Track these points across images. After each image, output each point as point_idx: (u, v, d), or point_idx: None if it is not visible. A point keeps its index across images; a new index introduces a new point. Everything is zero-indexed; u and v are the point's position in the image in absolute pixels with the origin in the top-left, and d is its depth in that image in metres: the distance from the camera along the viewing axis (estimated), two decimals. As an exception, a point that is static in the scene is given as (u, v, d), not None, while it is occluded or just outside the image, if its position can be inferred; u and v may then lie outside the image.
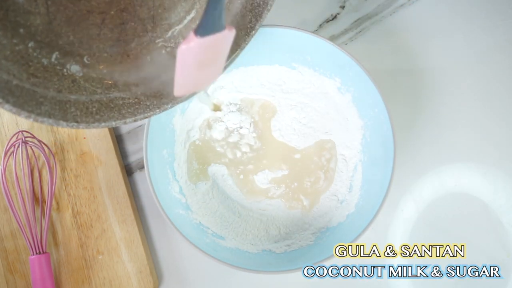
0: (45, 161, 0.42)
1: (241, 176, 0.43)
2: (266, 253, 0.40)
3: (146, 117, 0.33)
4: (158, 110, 0.33)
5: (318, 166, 0.44)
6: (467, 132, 0.47)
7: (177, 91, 0.31)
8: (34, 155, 0.43)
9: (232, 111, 0.44)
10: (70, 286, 0.41)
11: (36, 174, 0.43)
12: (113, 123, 0.31)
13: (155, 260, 0.44)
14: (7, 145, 0.41)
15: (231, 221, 0.42)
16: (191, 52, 0.27)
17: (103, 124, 0.30)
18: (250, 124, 0.44)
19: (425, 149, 0.46)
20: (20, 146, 0.41)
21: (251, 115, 0.44)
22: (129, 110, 0.32)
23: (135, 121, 0.32)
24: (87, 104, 0.30)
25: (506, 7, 0.50)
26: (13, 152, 0.42)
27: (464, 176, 0.45)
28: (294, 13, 0.50)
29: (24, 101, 0.26)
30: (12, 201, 0.40)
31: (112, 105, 0.32)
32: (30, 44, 0.29)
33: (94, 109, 0.30)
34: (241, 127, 0.44)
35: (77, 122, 0.28)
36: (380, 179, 0.37)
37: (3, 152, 0.42)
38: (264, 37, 0.39)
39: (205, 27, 0.25)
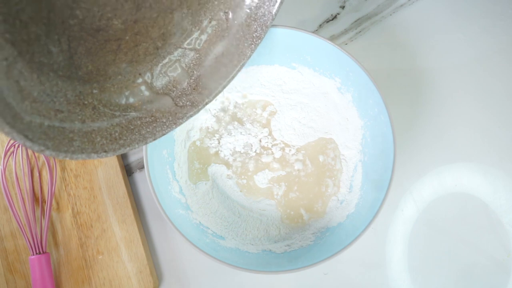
0: (45, 161, 0.42)
1: (244, 181, 0.43)
2: (266, 253, 0.39)
3: (164, 134, 0.34)
4: (174, 126, 0.35)
5: (325, 168, 0.43)
6: (467, 132, 0.47)
7: None
8: (34, 155, 0.43)
9: (241, 133, 0.44)
10: (70, 286, 0.41)
11: (36, 174, 0.43)
12: (136, 145, 0.32)
13: (155, 260, 0.44)
14: (7, 145, 0.41)
15: (231, 221, 0.42)
16: None
17: (128, 148, 0.32)
18: (260, 141, 0.44)
19: (425, 149, 0.46)
20: (20, 146, 0.41)
21: (258, 137, 0.44)
22: (148, 129, 0.34)
23: (155, 139, 0.34)
24: (110, 130, 0.32)
25: (506, 7, 0.50)
26: (13, 152, 0.42)
27: (464, 176, 0.45)
28: (294, 13, 0.50)
29: (59, 141, 0.27)
30: (12, 201, 0.40)
31: (132, 127, 0.33)
32: (54, 81, 0.30)
33: (116, 134, 0.32)
34: (251, 146, 0.44)
35: (105, 151, 0.30)
36: (380, 179, 0.37)
37: (3, 152, 0.42)
38: (264, 37, 0.39)
39: None
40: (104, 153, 0.30)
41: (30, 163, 0.43)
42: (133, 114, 0.34)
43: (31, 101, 0.27)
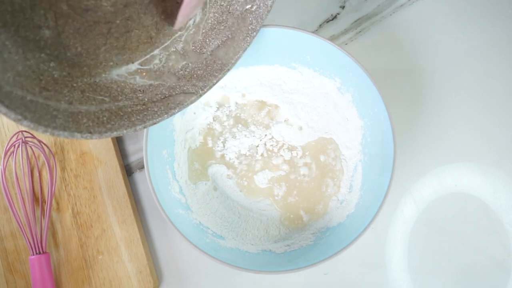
0: (45, 161, 0.42)
1: (245, 183, 0.43)
2: (266, 253, 0.40)
3: (155, 123, 0.33)
4: (166, 116, 0.34)
5: (327, 169, 0.43)
6: (467, 132, 0.47)
7: (178, 23, 0.35)
8: (34, 155, 0.43)
9: (246, 136, 0.44)
10: (70, 286, 0.41)
11: (36, 174, 0.43)
12: (124, 131, 0.31)
13: (155, 260, 0.44)
14: (7, 145, 0.41)
15: (231, 221, 0.42)
16: None
17: (115, 133, 0.31)
18: (265, 144, 0.44)
19: (425, 149, 0.46)
20: (20, 146, 0.41)
21: (263, 140, 0.44)
22: (138, 117, 0.33)
23: (144, 127, 0.33)
24: (98, 113, 0.31)
25: (506, 7, 0.50)
26: (13, 152, 0.42)
27: (464, 176, 0.45)
28: (294, 13, 0.50)
29: (40, 115, 0.26)
30: (12, 201, 0.40)
31: (122, 113, 0.32)
32: (40, 58, 0.29)
33: (104, 118, 0.31)
34: (257, 148, 0.44)
35: (90, 133, 0.29)
36: (380, 179, 0.37)
37: (3, 152, 0.42)
38: (264, 37, 0.39)
39: None
40: (89, 134, 0.29)
41: (30, 163, 0.43)
42: (125, 102, 0.33)
43: (14, 74, 0.26)
